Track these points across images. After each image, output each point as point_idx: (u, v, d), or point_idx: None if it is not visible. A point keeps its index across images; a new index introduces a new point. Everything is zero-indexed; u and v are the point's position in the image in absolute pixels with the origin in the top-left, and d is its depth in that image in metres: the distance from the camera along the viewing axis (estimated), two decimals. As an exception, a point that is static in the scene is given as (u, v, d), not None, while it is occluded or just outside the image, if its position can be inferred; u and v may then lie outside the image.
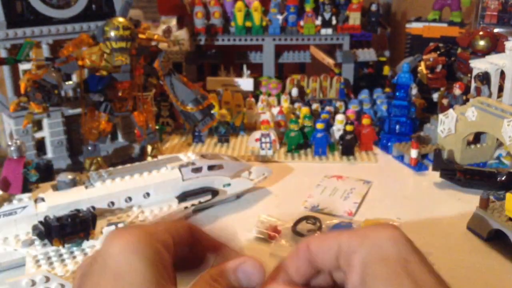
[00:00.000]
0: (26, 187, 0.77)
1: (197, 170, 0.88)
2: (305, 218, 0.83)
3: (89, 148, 1.01)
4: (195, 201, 0.86)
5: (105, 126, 1.00)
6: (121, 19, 0.93)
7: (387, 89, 1.42)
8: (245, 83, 1.42)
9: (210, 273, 0.41)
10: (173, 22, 1.59)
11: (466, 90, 1.12)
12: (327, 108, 1.32)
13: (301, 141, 1.16)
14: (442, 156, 1.04)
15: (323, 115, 1.23)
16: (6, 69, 0.99)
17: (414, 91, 1.30)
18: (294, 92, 1.37)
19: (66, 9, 1.02)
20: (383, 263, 0.39)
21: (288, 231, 0.80)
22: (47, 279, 0.63)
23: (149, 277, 0.36)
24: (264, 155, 1.15)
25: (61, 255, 0.71)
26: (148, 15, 1.84)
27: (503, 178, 0.92)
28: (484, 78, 1.03)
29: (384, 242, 0.40)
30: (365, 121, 1.17)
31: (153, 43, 1.07)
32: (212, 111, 1.06)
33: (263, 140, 1.14)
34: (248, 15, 1.43)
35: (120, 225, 0.74)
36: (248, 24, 1.44)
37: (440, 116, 1.07)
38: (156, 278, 0.36)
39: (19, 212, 0.74)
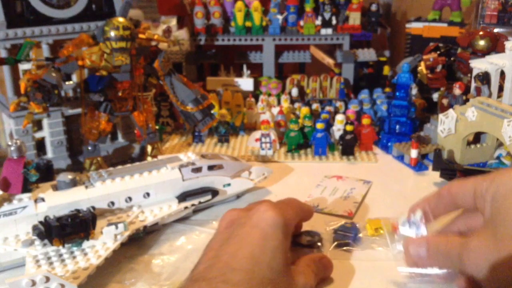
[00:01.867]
0: (26, 187, 0.77)
1: (197, 170, 0.88)
2: (306, 233, 0.77)
3: (89, 148, 1.01)
4: (195, 201, 0.86)
5: (105, 126, 1.00)
6: (121, 19, 0.93)
7: (387, 89, 1.42)
8: (245, 83, 1.42)
9: (305, 259, 0.64)
10: (173, 22, 1.59)
11: (466, 90, 1.12)
12: (327, 108, 1.32)
13: (301, 141, 1.16)
14: (442, 156, 1.04)
15: (323, 115, 1.23)
16: (6, 69, 0.99)
17: (414, 91, 1.30)
18: (294, 92, 1.37)
19: (66, 9, 1.02)
20: (506, 199, 0.49)
21: None
22: (47, 279, 0.63)
23: (282, 246, 0.55)
24: (264, 155, 1.15)
25: (61, 255, 0.71)
26: (148, 15, 1.84)
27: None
28: (484, 78, 1.03)
29: (509, 180, 0.50)
30: (365, 121, 1.17)
31: (153, 43, 1.07)
32: (212, 111, 1.06)
33: (263, 140, 1.14)
34: (248, 15, 1.43)
35: (120, 225, 0.74)
36: (248, 24, 1.44)
37: (440, 116, 1.07)
38: (285, 248, 0.56)
39: (19, 212, 0.74)
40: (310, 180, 1.03)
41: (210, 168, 0.89)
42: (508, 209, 0.49)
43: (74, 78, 1.05)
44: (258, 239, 0.54)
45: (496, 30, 1.23)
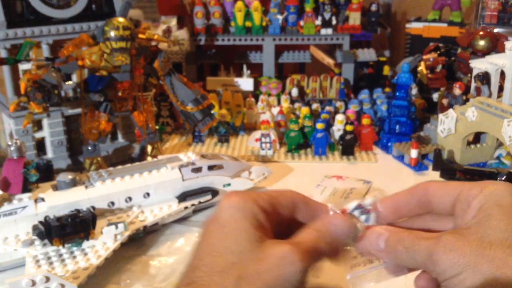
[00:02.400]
0: (26, 187, 0.77)
1: (197, 170, 0.88)
2: None
3: (89, 148, 1.01)
4: (195, 201, 0.86)
5: (105, 126, 1.00)
6: (121, 19, 0.93)
7: (387, 89, 1.42)
8: (245, 83, 1.42)
9: (313, 225, 0.51)
10: (173, 22, 1.59)
11: (466, 90, 1.12)
12: (327, 108, 1.32)
13: (301, 141, 1.16)
14: (442, 156, 1.04)
15: (323, 115, 1.23)
16: (6, 69, 0.99)
17: (414, 91, 1.30)
18: (294, 92, 1.37)
19: (66, 9, 1.02)
20: (499, 207, 0.46)
21: None
22: (47, 279, 0.63)
23: (243, 226, 0.48)
24: (264, 155, 1.15)
25: (61, 255, 0.71)
26: (148, 15, 1.84)
27: (503, 178, 0.92)
28: (484, 78, 1.03)
29: (502, 192, 0.47)
30: (365, 121, 1.17)
31: (153, 43, 1.07)
32: (212, 111, 1.06)
33: (263, 140, 1.14)
34: (248, 15, 1.43)
35: (120, 225, 0.74)
36: (248, 24, 1.44)
37: (440, 116, 1.07)
38: (249, 226, 0.48)
39: (19, 212, 0.74)
40: (310, 180, 1.03)
41: (210, 168, 0.89)
42: (500, 217, 0.48)
43: (74, 78, 1.05)
44: (216, 231, 0.51)
45: (496, 30, 1.23)
